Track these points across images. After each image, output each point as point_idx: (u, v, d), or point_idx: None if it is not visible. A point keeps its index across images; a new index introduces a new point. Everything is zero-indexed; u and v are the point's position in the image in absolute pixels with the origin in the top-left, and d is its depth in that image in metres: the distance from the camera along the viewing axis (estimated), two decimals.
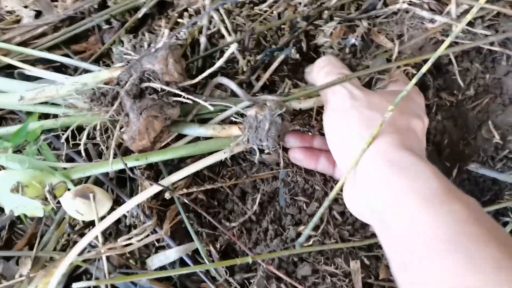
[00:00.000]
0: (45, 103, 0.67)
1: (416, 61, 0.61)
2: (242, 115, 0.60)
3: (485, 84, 0.67)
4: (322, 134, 0.61)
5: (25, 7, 0.78)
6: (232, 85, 0.61)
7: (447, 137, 0.67)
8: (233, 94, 0.64)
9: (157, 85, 0.54)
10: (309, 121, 0.61)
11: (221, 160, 0.61)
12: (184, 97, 0.55)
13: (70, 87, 0.57)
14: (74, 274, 0.68)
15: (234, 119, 0.60)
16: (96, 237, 0.63)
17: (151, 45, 0.60)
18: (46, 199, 0.56)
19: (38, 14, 0.78)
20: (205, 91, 0.64)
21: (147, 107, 0.54)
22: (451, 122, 0.67)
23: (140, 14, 0.73)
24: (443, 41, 0.66)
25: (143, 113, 0.54)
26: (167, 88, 0.54)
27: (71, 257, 0.60)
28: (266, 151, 0.57)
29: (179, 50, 0.59)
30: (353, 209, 0.51)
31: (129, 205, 0.60)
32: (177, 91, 0.55)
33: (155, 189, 0.60)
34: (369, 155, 0.46)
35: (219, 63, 0.59)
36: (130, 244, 0.62)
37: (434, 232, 0.36)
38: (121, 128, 0.55)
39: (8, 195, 0.55)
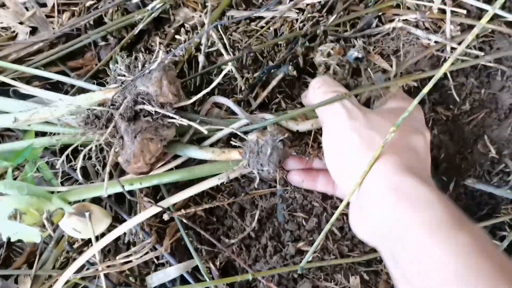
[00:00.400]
0: None
1: (416, 78, 0.62)
2: (240, 138, 0.60)
3: (480, 99, 0.67)
4: None
5: (21, 23, 0.78)
6: (229, 103, 0.62)
7: (444, 151, 0.67)
8: (232, 112, 0.64)
9: (151, 108, 0.54)
10: (305, 148, 0.61)
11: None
12: (178, 119, 0.55)
13: (64, 109, 0.57)
14: None
15: (233, 143, 0.61)
16: (94, 255, 0.63)
17: (145, 65, 0.60)
18: (44, 226, 0.56)
19: (33, 31, 0.78)
20: (201, 110, 0.64)
21: (141, 130, 0.54)
22: (447, 137, 0.68)
23: (136, 30, 0.73)
24: (438, 56, 0.66)
25: (137, 136, 0.54)
26: (161, 111, 0.54)
27: (68, 274, 0.60)
28: (265, 175, 0.58)
29: (173, 71, 0.59)
30: (360, 232, 0.50)
31: (128, 225, 0.60)
32: (171, 114, 0.55)
33: (154, 210, 0.60)
34: (372, 178, 0.46)
35: (215, 83, 0.59)
36: (129, 261, 0.62)
37: (446, 267, 0.36)
38: (116, 150, 0.55)
39: (5, 221, 0.55)
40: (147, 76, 0.57)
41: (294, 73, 0.65)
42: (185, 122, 0.55)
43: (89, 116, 0.55)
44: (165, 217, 0.61)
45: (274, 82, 0.66)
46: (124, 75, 0.59)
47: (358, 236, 0.50)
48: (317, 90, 0.56)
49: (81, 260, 0.61)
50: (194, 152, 0.62)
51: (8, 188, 0.57)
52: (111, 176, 0.60)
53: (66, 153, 0.56)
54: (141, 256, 0.62)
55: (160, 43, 0.72)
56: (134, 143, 0.53)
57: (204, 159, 0.62)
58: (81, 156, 0.54)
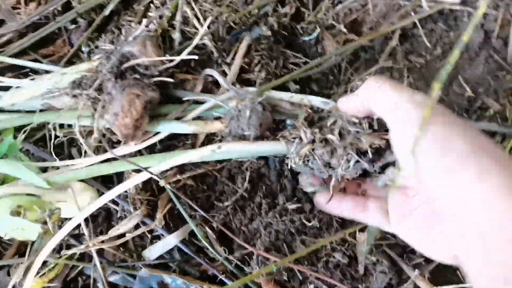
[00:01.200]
0: (18, 111, 0.66)
1: (385, 32, 0.63)
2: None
3: (450, 42, 0.69)
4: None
5: None
6: (217, 75, 0.62)
7: None
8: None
9: (137, 61, 0.54)
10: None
11: None
12: (163, 77, 0.55)
13: (49, 81, 0.57)
14: (69, 278, 0.66)
15: (215, 113, 0.61)
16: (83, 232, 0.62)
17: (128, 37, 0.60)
18: (45, 222, 0.58)
19: (1, 23, 0.76)
20: (196, 86, 0.64)
21: (129, 85, 0.54)
22: (423, 83, 0.70)
23: (107, 11, 0.72)
24: (406, 9, 0.69)
25: (125, 89, 0.53)
26: (145, 60, 0.54)
27: (47, 251, 0.58)
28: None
29: (155, 38, 0.60)
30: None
31: (115, 191, 0.59)
32: (156, 72, 0.56)
33: (142, 176, 0.60)
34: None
35: (188, 49, 0.60)
36: (122, 235, 0.61)
37: None
38: (103, 106, 0.55)
39: (5, 218, 0.55)
40: (131, 42, 0.57)
41: (269, 33, 0.66)
42: (170, 80, 0.55)
43: (75, 81, 0.55)
44: (161, 183, 0.60)
45: (245, 43, 0.66)
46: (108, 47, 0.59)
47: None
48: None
49: (61, 233, 0.59)
50: (177, 126, 0.61)
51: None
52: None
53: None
54: (135, 230, 0.61)
55: (131, 21, 0.72)
56: (123, 95, 0.53)
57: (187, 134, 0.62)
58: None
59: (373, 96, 0.46)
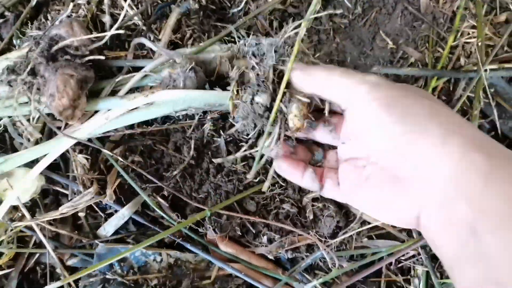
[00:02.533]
0: None
1: None
2: None
3: (369, 0, 0.74)
4: None
5: None
6: (147, 42, 0.63)
7: (349, 55, 0.73)
8: None
9: (66, 42, 0.55)
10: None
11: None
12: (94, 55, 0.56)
13: None
14: (26, 269, 0.66)
15: (150, 84, 0.62)
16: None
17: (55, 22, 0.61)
18: None
19: None
20: (127, 55, 0.66)
21: (61, 66, 0.55)
22: (349, 42, 0.74)
23: (33, 2, 0.73)
24: None
25: (58, 70, 0.54)
26: (73, 40, 0.55)
27: None
28: None
29: (82, 21, 0.61)
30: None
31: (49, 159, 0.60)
32: (87, 51, 0.57)
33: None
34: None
35: (116, 25, 0.62)
36: (73, 209, 0.62)
37: None
38: (37, 88, 0.55)
39: None
40: (58, 25, 0.58)
41: (197, 6, 0.68)
42: (101, 57, 0.57)
43: (8, 68, 0.55)
44: (105, 152, 0.60)
45: (173, 18, 0.68)
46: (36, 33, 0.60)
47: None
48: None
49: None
50: (117, 103, 0.62)
51: None
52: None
53: None
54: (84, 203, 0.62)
55: (59, 10, 0.73)
56: (56, 76, 0.54)
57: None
58: None
59: (325, 83, 0.50)
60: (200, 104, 0.58)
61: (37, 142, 0.66)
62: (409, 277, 0.65)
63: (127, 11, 0.70)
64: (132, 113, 0.59)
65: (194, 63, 0.59)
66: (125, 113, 0.59)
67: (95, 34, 0.58)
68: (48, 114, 0.61)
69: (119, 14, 0.71)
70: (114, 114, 0.58)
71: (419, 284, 0.63)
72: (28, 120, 0.63)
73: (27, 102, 0.60)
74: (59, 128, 0.61)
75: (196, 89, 0.58)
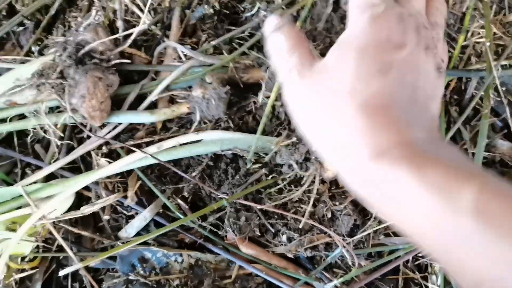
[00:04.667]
0: None
1: None
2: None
3: None
4: None
5: None
6: (176, 45, 0.65)
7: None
8: None
9: (93, 45, 0.57)
10: None
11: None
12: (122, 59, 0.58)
13: (10, 78, 0.59)
14: (48, 272, 0.67)
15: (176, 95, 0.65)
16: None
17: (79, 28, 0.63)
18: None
19: None
20: (151, 61, 0.68)
21: (90, 69, 0.57)
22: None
23: (53, 10, 0.74)
24: None
25: (88, 72, 0.56)
26: (99, 43, 0.57)
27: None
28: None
29: (104, 26, 0.63)
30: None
31: (89, 179, 0.61)
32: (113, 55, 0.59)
33: (114, 166, 0.62)
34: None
35: (138, 28, 0.63)
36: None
37: None
38: (69, 90, 0.57)
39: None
40: (83, 31, 0.60)
41: (211, 11, 0.70)
42: (127, 61, 0.59)
43: (37, 72, 0.58)
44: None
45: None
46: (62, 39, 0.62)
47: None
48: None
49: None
50: (145, 118, 0.65)
51: None
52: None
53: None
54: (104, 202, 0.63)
55: (76, 17, 0.74)
56: (87, 78, 0.56)
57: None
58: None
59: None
60: (245, 146, 0.61)
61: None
62: (426, 274, 0.65)
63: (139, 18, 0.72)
64: (181, 149, 0.63)
65: (226, 83, 0.62)
66: (176, 146, 0.63)
67: (119, 34, 0.60)
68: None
69: (132, 21, 0.73)
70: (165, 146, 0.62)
71: (437, 281, 0.64)
72: (56, 125, 0.64)
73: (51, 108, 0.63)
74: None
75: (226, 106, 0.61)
